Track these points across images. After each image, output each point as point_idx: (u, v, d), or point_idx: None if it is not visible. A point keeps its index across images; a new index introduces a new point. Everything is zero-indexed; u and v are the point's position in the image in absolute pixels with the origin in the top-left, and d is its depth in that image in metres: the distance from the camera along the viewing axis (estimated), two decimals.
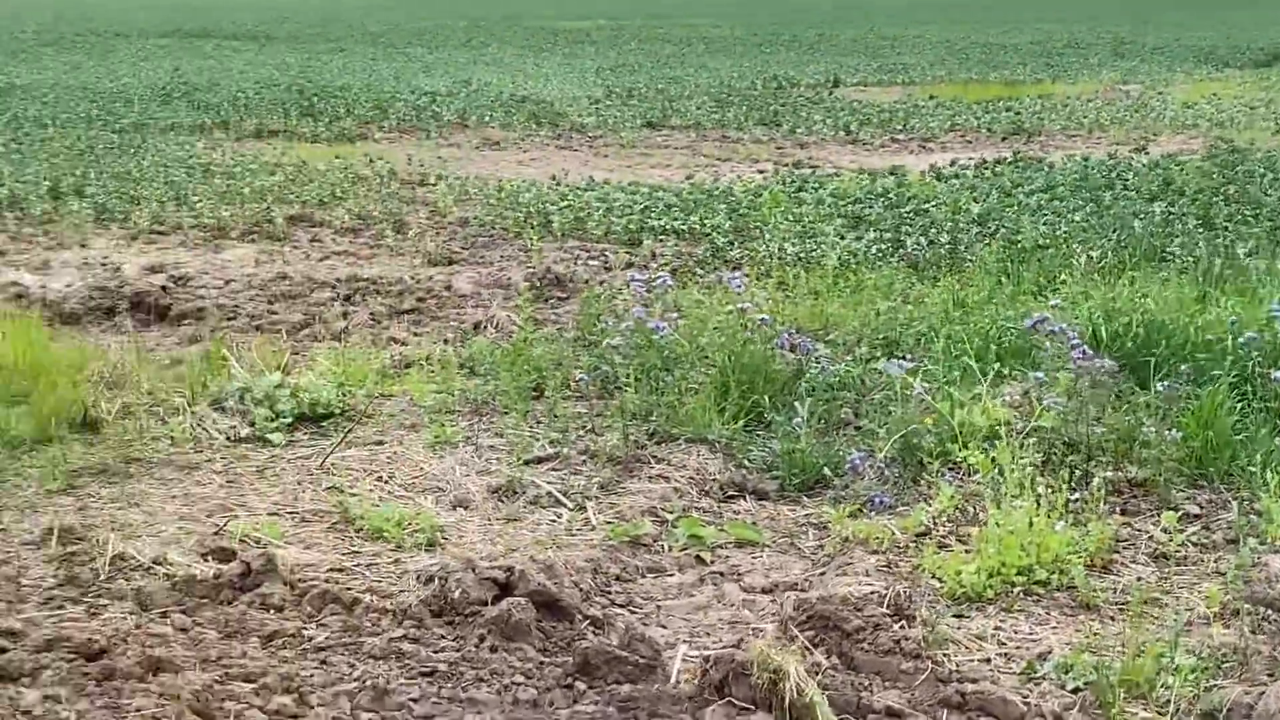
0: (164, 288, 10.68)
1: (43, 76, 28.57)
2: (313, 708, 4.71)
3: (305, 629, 5.33)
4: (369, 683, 4.87)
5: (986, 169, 16.72)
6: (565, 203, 14.21)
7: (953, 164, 17.33)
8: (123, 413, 7.85)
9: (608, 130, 22.14)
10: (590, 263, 11.96)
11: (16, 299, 10.51)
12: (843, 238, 12.10)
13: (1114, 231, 11.61)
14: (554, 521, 6.61)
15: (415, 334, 9.75)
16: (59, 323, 9.94)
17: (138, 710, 4.58)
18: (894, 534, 6.32)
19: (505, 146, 20.49)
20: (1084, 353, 7.15)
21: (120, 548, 5.95)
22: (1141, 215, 12.35)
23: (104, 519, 6.47)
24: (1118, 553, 6.15)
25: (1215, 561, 6.07)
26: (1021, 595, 5.74)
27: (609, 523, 6.55)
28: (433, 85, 27.98)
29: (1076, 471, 6.72)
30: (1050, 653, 5.25)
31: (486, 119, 23.00)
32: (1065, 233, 11.65)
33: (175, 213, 13.79)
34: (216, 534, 6.25)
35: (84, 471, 7.13)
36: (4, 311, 9.84)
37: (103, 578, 5.76)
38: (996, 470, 6.31)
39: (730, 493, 6.99)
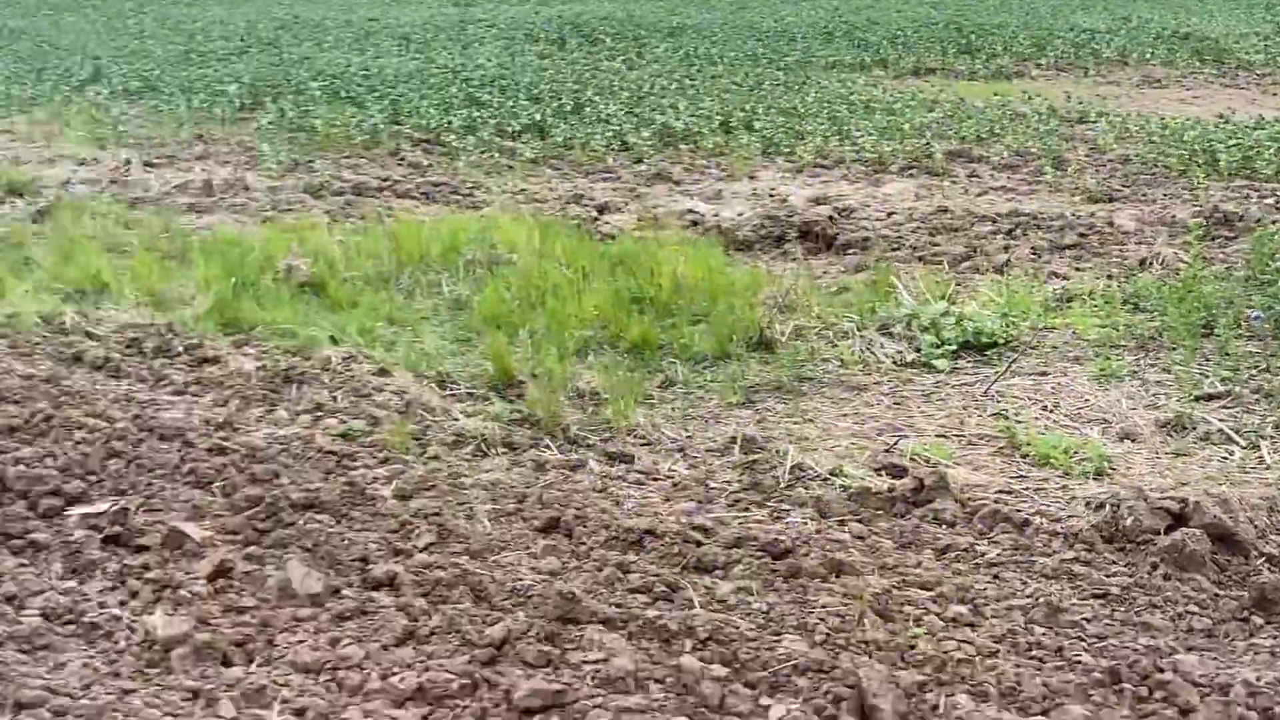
0: (830, 218, 11.02)
1: (711, 16, 29.73)
2: (986, 619, 4.85)
3: (977, 545, 5.47)
4: (1041, 600, 4.96)
5: None
6: (1233, 141, 13.71)
7: None
8: (795, 334, 8.23)
9: (1277, 68, 21.15)
10: (1262, 202, 11.53)
11: (692, 225, 11.10)
12: None
13: None
14: (1225, 459, 6.48)
15: (1077, 269, 9.69)
16: (732, 249, 10.42)
17: (823, 606, 4.85)
18: None
19: (1166, 84, 19.91)
20: None
21: (798, 459, 6.29)
22: None
23: (780, 432, 6.83)
24: None
25: None
26: None
27: None
28: (1091, 23, 27.42)
29: None
30: None
31: (1147, 56, 22.39)
32: None
33: (837, 147, 14.18)
34: (887, 451, 6.48)
35: (760, 388, 7.52)
36: (683, 237, 10.43)
37: (783, 485, 6.09)
38: None
39: None
